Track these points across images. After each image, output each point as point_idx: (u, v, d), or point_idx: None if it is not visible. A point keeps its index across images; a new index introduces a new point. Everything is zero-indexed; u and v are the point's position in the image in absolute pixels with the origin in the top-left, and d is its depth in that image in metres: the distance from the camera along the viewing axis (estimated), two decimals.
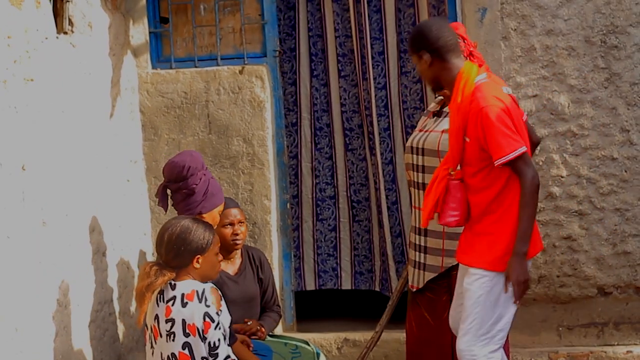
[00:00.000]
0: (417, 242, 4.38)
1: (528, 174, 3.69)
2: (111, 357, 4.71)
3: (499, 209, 3.78)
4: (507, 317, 3.81)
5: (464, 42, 4.24)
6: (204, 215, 4.29)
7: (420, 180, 4.33)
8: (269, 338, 4.63)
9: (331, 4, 5.61)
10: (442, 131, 4.24)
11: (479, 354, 3.78)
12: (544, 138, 5.10)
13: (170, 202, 4.45)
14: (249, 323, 4.53)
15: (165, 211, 4.49)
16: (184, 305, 3.72)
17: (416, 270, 4.38)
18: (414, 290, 4.42)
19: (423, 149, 4.30)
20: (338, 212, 5.77)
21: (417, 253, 4.38)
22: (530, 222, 3.71)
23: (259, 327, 4.55)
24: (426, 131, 4.35)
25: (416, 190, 4.38)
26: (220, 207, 4.42)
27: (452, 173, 3.87)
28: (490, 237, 3.80)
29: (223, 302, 3.82)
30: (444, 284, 4.32)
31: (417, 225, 4.36)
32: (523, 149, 3.70)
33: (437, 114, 4.39)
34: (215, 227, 4.32)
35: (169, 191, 4.44)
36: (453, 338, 4.27)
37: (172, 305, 3.74)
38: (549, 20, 5.07)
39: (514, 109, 3.85)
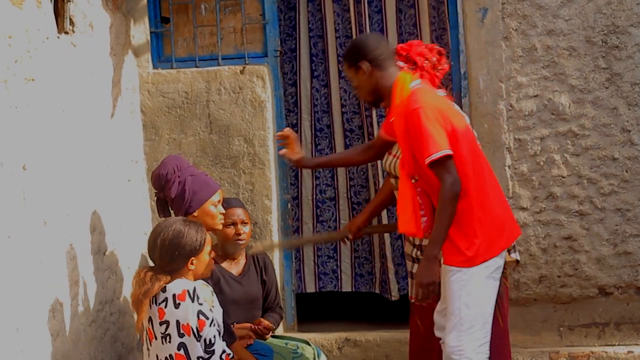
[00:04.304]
0: (414, 255, 4.36)
1: (447, 180, 3.74)
2: (112, 357, 4.71)
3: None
4: (487, 309, 3.85)
5: (414, 58, 4.23)
6: (195, 212, 4.28)
7: None
8: (269, 338, 4.63)
9: (332, 4, 5.60)
10: None
11: (467, 348, 3.81)
12: (545, 138, 5.11)
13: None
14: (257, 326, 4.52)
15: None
16: (176, 306, 3.71)
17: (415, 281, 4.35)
18: (413, 301, 4.39)
19: (396, 175, 4.30)
20: (338, 213, 5.75)
21: (415, 265, 4.35)
22: (444, 229, 3.76)
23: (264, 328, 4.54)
24: (395, 156, 4.33)
25: None
26: (214, 199, 4.36)
27: (414, 180, 3.93)
28: (454, 235, 3.82)
29: (215, 297, 3.81)
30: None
31: (412, 238, 4.35)
32: (445, 152, 3.73)
33: None
34: (212, 220, 4.30)
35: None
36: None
37: (165, 307, 3.74)
38: (550, 20, 5.07)
39: (451, 112, 3.91)
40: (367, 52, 3.95)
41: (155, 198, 4.49)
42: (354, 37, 5.50)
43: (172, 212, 4.43)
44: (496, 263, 3.87)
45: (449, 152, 3.74)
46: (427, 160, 3.73)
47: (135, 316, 4.97)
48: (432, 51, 4.26)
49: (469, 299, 3.80)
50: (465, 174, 3.81)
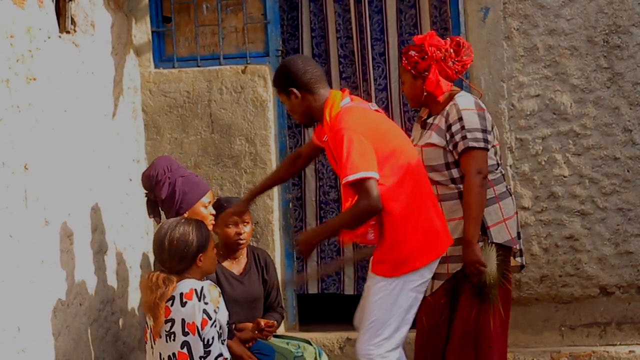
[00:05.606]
0: None
1: (361, 201, 3.77)
2: (113, 357, 4.71)
3: (384, 220, 3.88)
4: (402, 319, 3.92)
5: (425, 57, 4.22)
6: (185, 213, 4.28)
7: None
8: (271, 338, 4.62)
9: (333, 4, 5.61)
10: (422, 146, 4.24)
11: (374, 353, 3.90)
12: (546, 138, 5.11)
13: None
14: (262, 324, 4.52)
15: (159, 221, 4.49)
16: (183, 304, 3.72)
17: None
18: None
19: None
20: None
21: None
22: (333, 230, 3.95)
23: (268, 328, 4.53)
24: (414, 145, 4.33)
25: None
26: (204, 200, 4.35)
27: None
28: (384, 247, 3.92)
29: (221, 299, 3.82)
30: (445, 285, 4.31)
31: None
32: (361, 175, 3.75)
33: (423, 125, 4.37)
34: (204, 220, 4.31)
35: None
36: (446, 343, 4.30)
37: (171, 305, 3.74)
38: (551, 20, 5.07)
39: (382, 130, 3.93)
40: (295, 78, 3.98)
41: (146, 199, 4.49)
42: (354, 37, 5.51)
43: (162, 212, 4.44)
44: (422, 277, 3.93)
45: (368, 174, 3.76)
46: (343, 182, 3.79)
47: (138, 313, 4.99)
48: (450, 43, 4.26)
49: (387, 307, 3.88)
50: (392, 195, 3.83)
